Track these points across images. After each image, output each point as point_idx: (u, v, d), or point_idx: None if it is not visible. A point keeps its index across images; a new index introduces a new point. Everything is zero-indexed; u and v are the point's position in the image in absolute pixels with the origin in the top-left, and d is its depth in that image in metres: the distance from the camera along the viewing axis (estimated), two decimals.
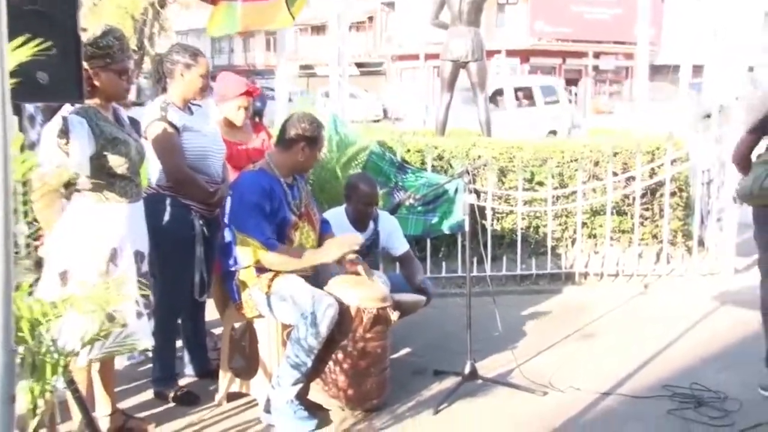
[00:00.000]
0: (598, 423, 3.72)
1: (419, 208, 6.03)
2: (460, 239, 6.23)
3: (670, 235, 6.64)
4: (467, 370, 4.07)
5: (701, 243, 6.87)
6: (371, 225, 4.50)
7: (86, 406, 2.68)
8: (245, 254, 3.49)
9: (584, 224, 6.59)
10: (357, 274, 3.65)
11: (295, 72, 36.87)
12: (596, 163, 6.62)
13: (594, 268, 6.52)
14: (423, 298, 4.18)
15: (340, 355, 3.64)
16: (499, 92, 14.96)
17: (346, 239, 3.63)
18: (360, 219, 4.42)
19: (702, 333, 5.07)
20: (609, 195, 6.43)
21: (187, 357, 4.21)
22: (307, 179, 4.18)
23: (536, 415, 3.79)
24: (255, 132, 4.60)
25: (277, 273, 3.55)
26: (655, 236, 6.70)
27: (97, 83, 3.12)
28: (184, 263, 3.78)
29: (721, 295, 5.95)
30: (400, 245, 4.59)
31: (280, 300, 3.51)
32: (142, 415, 3.69)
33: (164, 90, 3.82)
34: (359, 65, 37.38)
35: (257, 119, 4.85)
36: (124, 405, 3.74)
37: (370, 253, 4.45)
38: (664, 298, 6.00)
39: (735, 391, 4.03)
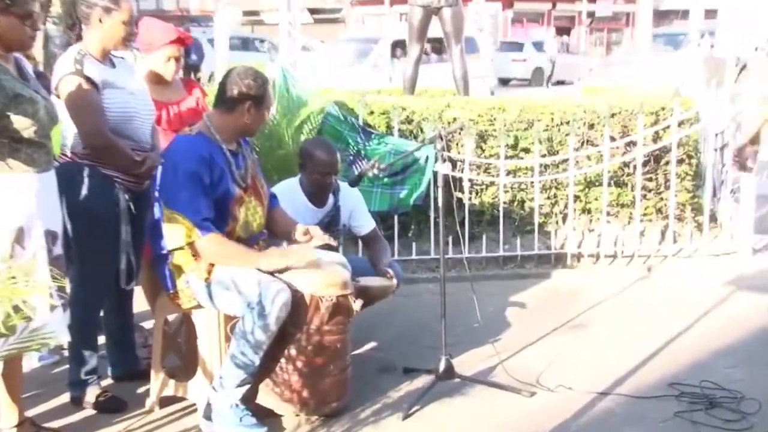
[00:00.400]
0: (594, 427, 3.78)
1: (385, 180, 6.04)
2: (432, 216, 6.26)
3: (677, 210, 6.74)
4: (442, 367, 4.11)
5: (713, 218, 6.98)
6: (330, 199, 4.51)
7: None
8: (174, 234, 3.50)
9: (577, 197, 6.67)
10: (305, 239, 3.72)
11: (237, 19, 36.46)
12: (591, 126, 6.69)
13: (588, 248, 6.60)
14: (391, 283, 4.20)
15: (293, 352, 3.64)
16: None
17: (301, 252, 3.65)
18: (317, 192, 4.41)
19: (714, 323, 5.17)
20: (605, 163, 6.50)
21: (111, 355, 4.19)
22: (253, 146, 4.17)
23: (522, 419, 3.84)
24: (187, 90, 4.57)
25: None
26: (659, 211, 6.81)
27: None
28: (107, 245, 3.75)
29: (737, 279, 6.06)
30: (364, 223, 4.60)
31: (223, 288, 3.51)
32: (57, 424, 3.66)
33: (78, 38, 3.75)
34: (313, 11, 37.12)
35: (192, 75, 4.81)
36: (34, 413, 3.70)
37: (330, 233, 4.46)
38: (670, 282, 6.11)
39: (752, 390, 4.08)
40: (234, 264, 3.52)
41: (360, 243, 5.76)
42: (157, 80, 4.32)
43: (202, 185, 3.48)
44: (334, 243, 3.83)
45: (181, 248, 3.54)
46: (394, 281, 4.22)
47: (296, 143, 5.62)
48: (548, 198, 6.69)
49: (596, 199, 6.69)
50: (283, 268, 3.56)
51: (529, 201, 6.63)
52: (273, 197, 4.00)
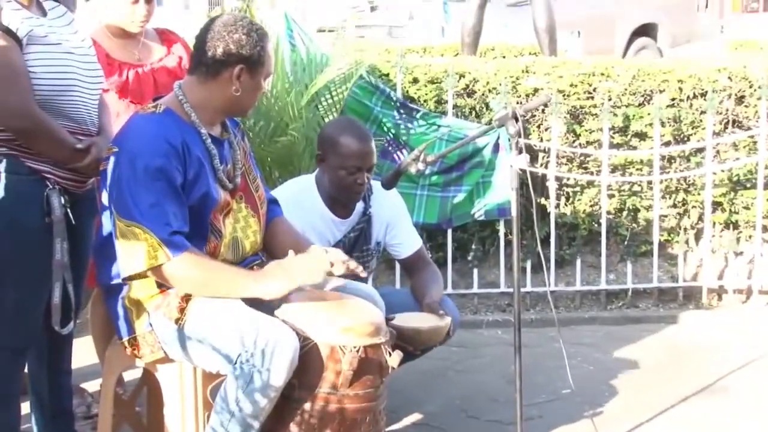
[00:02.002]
0: None
1: (434, 179, 6.07)
2: (503, 232, 6.27)
3: None
4: None
5: None
6: (359, 206, 4.55)
7: None
8: (131, 255, 3.49)
9: (717, 205, 6.65)
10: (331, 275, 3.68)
11: None
12: (740, 100, 6.67)
13: (734, 280, 6.58)
14: (444, 322, 4.21)
15: (301, 427, 3.66)
16: None
17: (315, 258, 3.63)
18: (342, 196, 4.45)
19: None
20: (761, 154, 6.48)
21: (37, 428, 4.21)
22: (246, 131, 4.20)
23: None
24: (165, 44, 4.65)
25: None
26: None
27: None
28: (34, 271, 3.78)
29: None
30: (406, 240, 4.64)
31: (201, 333, 3.53)
32: None
33: None
34: None
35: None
36: None
37: (358, 255, 4.49)
38: None
39: None
40: (218, 292, 3.53)
41: (398, 269, 5.81)
42: (120, 33, 4.40)
43: (171, 186, 3.48)
44: (363, 273, 3.77)
45: (142, 275, 3.54)
46: (448, 320, 4.23)
47: (308, 125, 5.66)
48: (674, 206, 6.68)
49: (747, 209, 6.67)
50: (287, 296, 3.55)
51: (645, 210, 6.62)
52: (273, 204, 4.01)
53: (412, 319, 4.11)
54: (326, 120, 5.82)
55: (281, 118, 5.78)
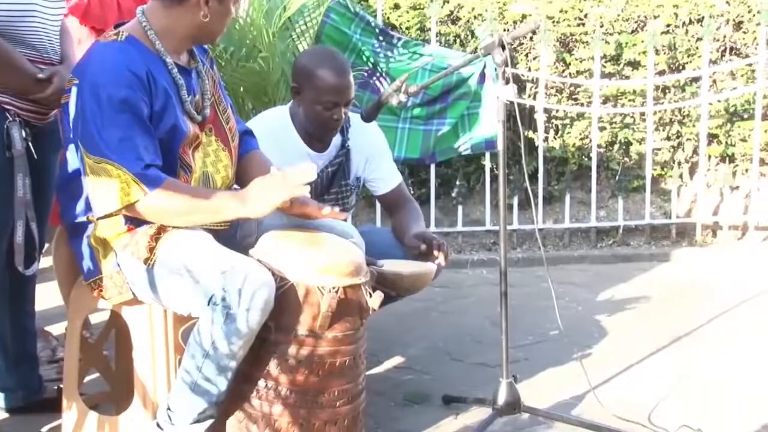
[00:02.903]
0: None
1: (416, 111, 6.06)
2: (488, 167, 6.27)
3: None
4: (502, 395, 4.11)
5: None
6: (337, 139, 4.54)
7: None
8: (104, 194, 3.46)
9: (713, 138, 6.66)
10: (310, 216, 3.68)
11: None
12: (737, 26, 6.65)
13: (730, 216, 6.60)
14: (429, 267, 4.22)
15: (276, 370, 3.68)
16: None
17: (289, 175, 3.60)
18: (318, 130, 4.43)
19: None
20: (760, 83, 6.48)
21: (1, 377, 4.22)
22: (215, 58, 4.16)
23: None
24: None
25: (165, 226, 3.57)
26: None
27: None
28: None
29: None
30: (386, 175, 4.64)
31: (172, 273, 3.52)
32: None
33: None
34: None
35: None
36: None
37: (333, 190, 4.49)
38: None
39: None
40: (203, 219, 3.53)
41: (379, 207, 5.81)
42: None
43: (138, 118, 3.44)
44: (342, 215, 3.77)
45: (111, 215, 3.50)
46: (433, 266, 4.22)
47: (282, 53, 5.63)
48: (667, 138, 6.70)
49: (744, 141, 6.68)
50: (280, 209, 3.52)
51: (638, 143, 6.64)
52: (248, 135, 3.99)
53: (395, 265, 4.09)
54: (300, 47, 5.77)
55: (254, 45, 5.74)
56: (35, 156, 3.81)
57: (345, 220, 4.44)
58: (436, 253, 4.23)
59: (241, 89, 5.55)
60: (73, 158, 3.57)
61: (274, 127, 4.39)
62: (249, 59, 5.68)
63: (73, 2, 4.35)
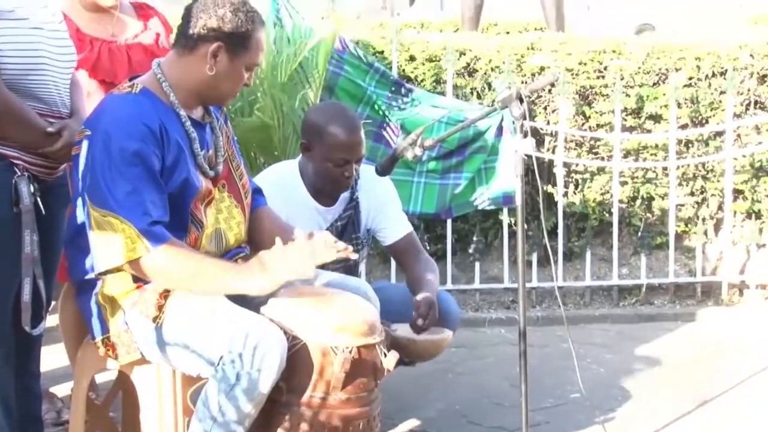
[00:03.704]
0: None
1: (432, 165, 6.09)
2: (507, 222, 6.30)
3: None
4: None
5: None
6: (345, 193, 4.56)
7: None
8: (107, 248, 3.47)
9: (738, 193, 6.68)
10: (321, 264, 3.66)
11: None
12: (762, 79, 6.69)
13: (757, 275, 6.60)
14: (445, 334, 4.23)
15: None
16: None
17: (304, 251, 3.54)
18: (328, 186, 4.47)
19: None
20: None
21: None
22: (229, 114, 4.19)
23: None
24: (142, 18, 4.68)
25: None
26: None
27: None
28: (1, 265, 3.78)
29: None
30: (395, 224, 4.65)
31: (181, 331, 3.52)
32: None
33: None
34: None
35: None
36: None
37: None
38: None
39: None
40: (201, 288, 3.53)
41: (393, 262, 5.83)
42: (93, 7, 4.42)
43: (148, 172, 3.47)
44: (353, 255, 3.71)
45: (118, 269, 3.53)
46: (448, 334, 4.23)
47: (292, 106, 5.67)
48: (691, 194, 6.71)
49: None
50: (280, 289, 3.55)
51: (661, 199, 6.65)
52: (257, 193, 4.02)
53: (410, 331, 4.11)
54: (304, 98, 5.79)
55: (260, 97, 5.77)
56: (43, 211, 3.82)
57: (357, 272, 4.46)
58: (419, 321, 4.18)
59: (251, 143, 5.58)
60: (81, 213, 3.58)
61: (282, 181, 4.41)
62: (252, 114, 5.73)
63: (81, 55, 4.40)
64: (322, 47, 5.90)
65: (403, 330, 4.02)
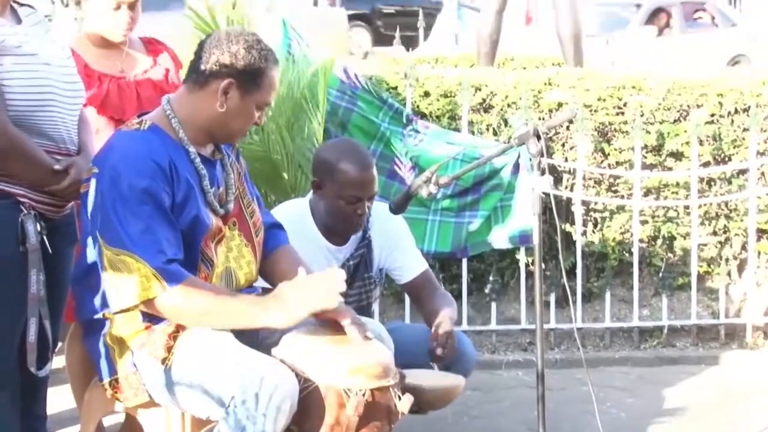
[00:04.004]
0: None
1: (447, 203, 6.08)
2: (524, 262, 6.28)
3: None
4: None
5: None
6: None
7: None
8: (123, 288, 3.47)
9: (762, 233, 6.65)
10: (335, 319, 3.67)
11: None
12: None
13: None
14: (456, 381, 4.21)
15: None
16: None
17: (330, 279, 3.57)
18: (339, 225, 4.47)
19: None
20: None
21: None
22: (240, 150, 4.18)
23: None
24: (151, 54, 4.70)
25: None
26: None
27: None
28: (6, 305, 3.78)
29: None
30: (409, 262, 4.65)
31: (191, 373, 3.51)
32: None
33: None
34: None
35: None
36: None
37: (356, 284, 4.50)
38: None
39: None
40: (222, 324, 3.52)
41: (408, 302, 5.81)
42: (102, 42, 4.44)
43: (160, 210, 3.48)
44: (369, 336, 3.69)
45: (127, 310, 3.52)
46: (461, 381, 4.20)
47: (301, 141, 5.67)
48: (714, 233, 6.69)
49: None
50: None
51: (683, 238, 6.63)
52: (276, 229, 4.01)
53: (421, 376, 4.07)
54: (311, 131, 5.79)
55: (270, 131, 5.75)
56: (50, 250, 3.82)
57: (371, 313, 4.44)
58: (438, 350, 4.19)
59: (261, 178, 5.57)
60: (91, 252, 3.58)
61: (292, 219, 4.38)
62: (263, 147, 5.73)
63: (90, 92, 4.41)
64: (321, 74, 5.88)
65: (412, 377, 3.99)
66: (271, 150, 5.67)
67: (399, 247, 4.65)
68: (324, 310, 3.53)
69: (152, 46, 4.76)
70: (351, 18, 21.14)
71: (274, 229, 4.00)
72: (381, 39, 22.96)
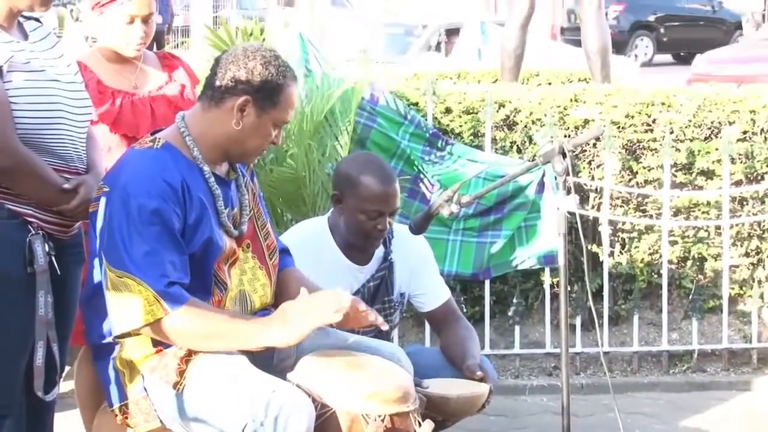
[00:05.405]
0: None
1: (470, 223, 6.08)
2: (548, 283, 6.27)
3: None
4: None
5: None
6: (379, 251, 4.57)
7: None
8: (125, 311, 3.47)
9: None
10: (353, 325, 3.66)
11: None
12: None
13: None
14: (481, 389, 4.21)
15: None
16: None
17: (331, 295, 3.57)
18: (360, 242, 4.47)
19: None
20: None
21: None
22: (260, 162, 4.18)
23: None
24: (166, 69, 4.72)
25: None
26: None
27: None
28: (13, 328, 3.78)
29: None
30: (433, 291, 4.64)
31: (203, 398, 3.51)
32: None
33: None
34: None
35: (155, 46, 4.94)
36: None
37: (376, 307, 4.48)
38: None
39: None
40: (225, 345, 3.53)
41: (428, 325, 5.81)
42: (115, 58, 4.46)
43: (168, 232, 3.49)
44: (384, 325, 3.72)
45: (136, 333, 3.53)
46: (485, 388, 4.21)
47: (319, 159, 5.68)
48: (746, 254, 6.66)
49: None
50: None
51: (713, 260, 6.61)
52: (284, 253, 4.01)
53: (444, 386, 4.08)
54: (335, 150, 5.81)
55: (286, 148, 5.76)
56: (58, 271, 3.82)
57: (390, 337, 4.44)
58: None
59: (280, 199, 5.59)
60: (98, 273, 3.59)
61: (312, 237, 4.42)
62: (281, 164, 5.74)
63: (103, 109, 4.42)
64: (353, 95, 5.90)
65: (435, 386, 3.99)
66: (298, 170, 5.68)
67: (422, 274, 4.65)
68: (326, 324, 3.52)
69: (168, 61, 4.78)
70: None
71: (281, 253, 3.99)
72: None
